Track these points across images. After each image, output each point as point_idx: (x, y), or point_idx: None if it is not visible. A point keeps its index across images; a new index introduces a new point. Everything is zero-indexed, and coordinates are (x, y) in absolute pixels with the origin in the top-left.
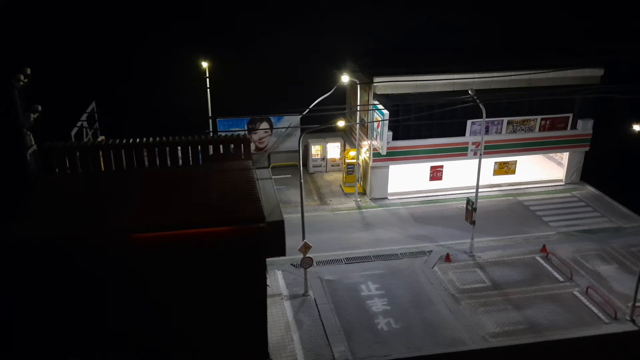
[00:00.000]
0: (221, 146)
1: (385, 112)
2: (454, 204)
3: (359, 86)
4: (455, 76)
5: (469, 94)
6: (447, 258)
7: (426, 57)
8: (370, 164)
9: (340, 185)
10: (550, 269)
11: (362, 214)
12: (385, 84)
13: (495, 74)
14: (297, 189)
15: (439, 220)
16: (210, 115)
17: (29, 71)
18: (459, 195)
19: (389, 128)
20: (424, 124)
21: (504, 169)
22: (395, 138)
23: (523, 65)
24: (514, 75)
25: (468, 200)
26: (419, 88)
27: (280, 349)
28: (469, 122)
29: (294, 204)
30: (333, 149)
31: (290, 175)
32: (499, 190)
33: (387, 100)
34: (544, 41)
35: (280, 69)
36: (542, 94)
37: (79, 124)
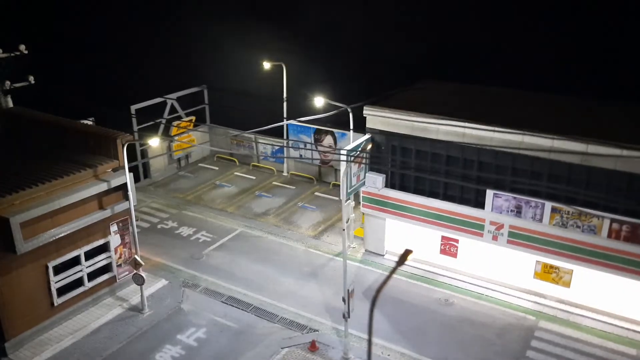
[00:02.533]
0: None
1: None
2: (460, 298)
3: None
4: (467, 125)
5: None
6: (313, 346)
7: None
8: (360, 207)
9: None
10: None
11: (336, 264)
12: (374, 118)
13: (526, 132)
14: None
15: (424, 317)
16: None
17: None
18: (476, 288)
19: (381, 170)
20: (428, 178)
21: (552, 274)
22: (391, 186)
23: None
24: (559, 139)
25: None
26: (416, 131)
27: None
28: (489, 192)
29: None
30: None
31: (294, 187)
32: (537, 303)
33: (381, 136)
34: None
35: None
36: (614, 177)
37: None
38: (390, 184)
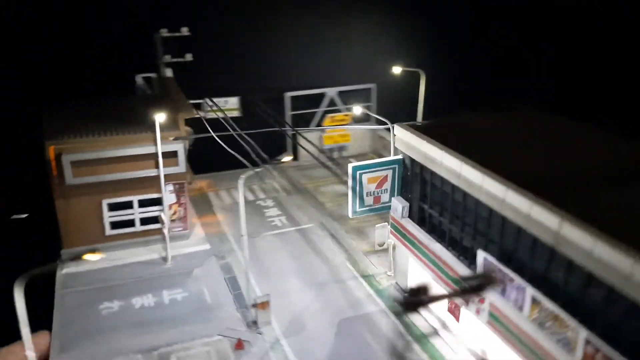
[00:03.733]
0: None
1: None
2: None
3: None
4: (462, 164)
5: None
6: (239, 344)
7: None
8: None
9: None
10: None
11: (351, 285)
12: (400, 139)
13: (510, 187)
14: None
15: None
16: None
17: None
18: None
19: (406, 197)
20: (433, 214)
21: None
22: (411, 216)
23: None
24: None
25: None
26: (427, 161)
27: None
28: (480, 253)
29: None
30: None
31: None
32: None
33: (409, 160)
34: None
35: None
36: (593, 281)
37: None
38: (410, 214)
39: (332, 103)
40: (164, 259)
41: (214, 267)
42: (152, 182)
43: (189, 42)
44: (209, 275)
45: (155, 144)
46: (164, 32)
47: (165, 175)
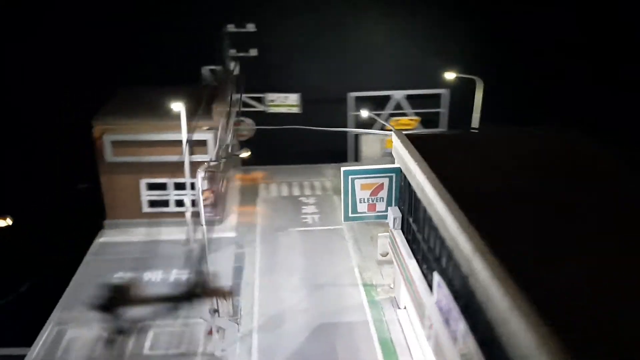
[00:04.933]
0: None
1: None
2: None
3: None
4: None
5: None
6: (210, 332)
7: None
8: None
9: None
10: None
11: (348, 291)
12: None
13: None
14: None
15: None
16: None
17: None
18: None
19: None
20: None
21: None
22: (402, 228)
23: None
24: None
25: None
26: (407, 172)
27: None
28: (436, 276)
29: None
30: None
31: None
32: None
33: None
34: None
35: None
36: None
37: None
38: (402, 225)
39: (398, 106)
40: (187, 241)
41: (229, 255)
42: (183, 168)
43: (254, 37)
44: (220, 261)
45: (189, 132)
46: (231, 28)
47: (197, 162)
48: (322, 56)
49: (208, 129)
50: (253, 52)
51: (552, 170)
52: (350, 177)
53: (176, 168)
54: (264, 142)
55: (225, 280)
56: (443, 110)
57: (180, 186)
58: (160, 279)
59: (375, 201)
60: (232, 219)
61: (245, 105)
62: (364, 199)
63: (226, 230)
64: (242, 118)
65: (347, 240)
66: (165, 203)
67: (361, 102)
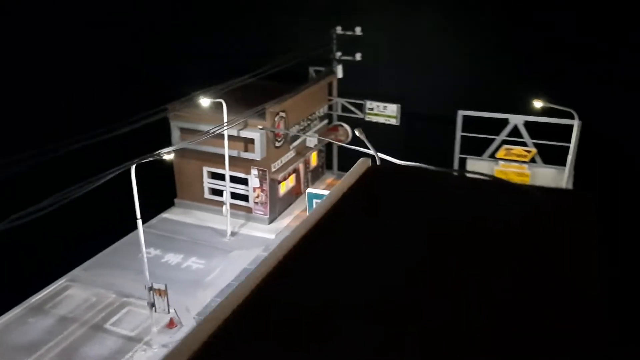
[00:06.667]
0: None
1: None
2: None
3: None
4: None
5: None
6: (171, 323)
7: None
8: None
9: None
10: None
11: None
12: None
13: None
14: None
15: None
16: None
17: None
18: None
19: None
20: None
21: None
22: None
23: None
24: None
25: None
26: None
27: None
28: None
29: None
30: None
31: None
32: None
33: None
34: None
35: None
36: None
37: None
38: None
39: (515, 133)
40: (225, 234)
41: (250, 255)
42: (240, 162)
43: (360, 41)
44: (238, 260)
45: (240, 128)
46: (339, 30)
47: (249, 160)
48: (428, 67)
49: (261, 129)
50: (358, 57)
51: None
52: (314, 200)
53: (232, 161)
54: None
55: (230, 279)
56: (570, 144)
57: (236, 179)
58: (176, 262)
59: None
60: (284, 221)
61: (345, 110)
62: None
63: (267, 231)
64: (340, 123)
65: None
66: (221, 193)
67: (471, 122)
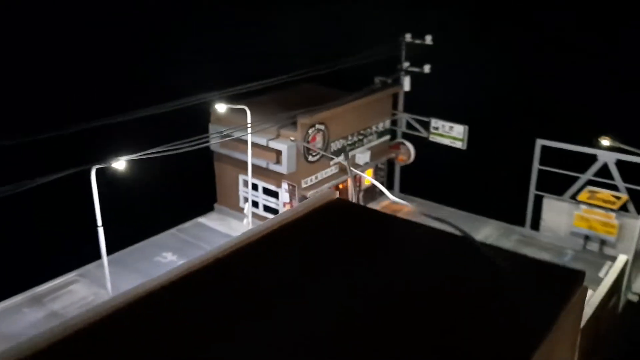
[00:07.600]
0: None
1: None
2: None
3: None
4: None
5: None
6: None
7: None
8: None
9: None
10: None
11: None
12: None
13: None
14: None
15: None
16: None
17: None
18: None
19: None
20: None
21: None
22: None
23: None
24: None
25: None
26: None
27: None
28: None
29: None
30: None
31: None
32: None
33: None
34: None
35: None
36: None
37: None
38: None
39: (603, 172)
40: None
41: None
42: (273, 174)
43: (431, 52)
44: None
45: (271, 139)
46: (408, 38)
47: (279, 173)
48: (502, 87)
49: (293, 140)
50: (427, 69)
51: None
52: None
53: (265, 172)
54: (424, 170)
55: None
56: None
57: (268, 192)
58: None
59: None
60: None
61: (410, 126)
62: None
63: None
64: (402, 141)
65: None
66: (255, 203)
67: (551, 154)
